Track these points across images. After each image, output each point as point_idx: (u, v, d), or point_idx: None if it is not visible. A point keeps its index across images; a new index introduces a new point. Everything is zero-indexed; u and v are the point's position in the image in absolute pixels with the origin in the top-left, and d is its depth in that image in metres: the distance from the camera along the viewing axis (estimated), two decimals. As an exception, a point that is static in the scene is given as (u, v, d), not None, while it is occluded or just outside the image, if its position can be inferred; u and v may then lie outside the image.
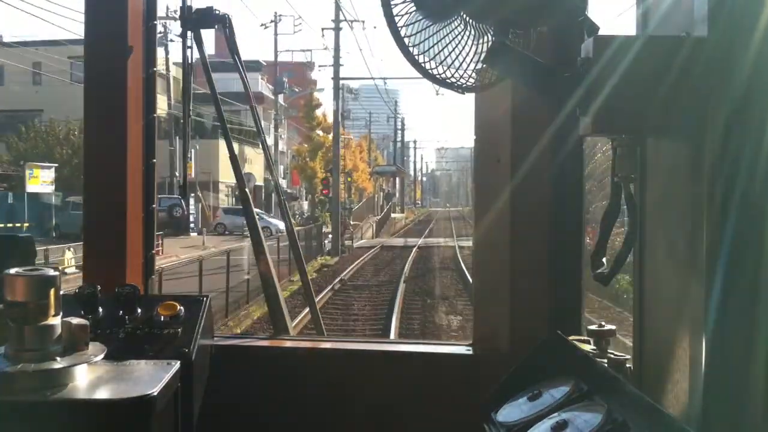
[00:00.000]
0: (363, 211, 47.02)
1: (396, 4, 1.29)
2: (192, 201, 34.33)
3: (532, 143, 1.92)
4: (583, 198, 1.99)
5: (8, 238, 1.97)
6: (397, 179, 73.63)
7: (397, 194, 73.51)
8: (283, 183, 46.73)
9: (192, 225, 33.95)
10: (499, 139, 1.96)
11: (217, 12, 2.33)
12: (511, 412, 1.36)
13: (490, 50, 1.31)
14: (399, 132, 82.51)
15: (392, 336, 11.85)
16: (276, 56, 42.18)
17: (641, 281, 1.40)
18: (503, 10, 1.32)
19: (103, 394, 1.44)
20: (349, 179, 53.92)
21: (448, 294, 17.14)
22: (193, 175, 34.45)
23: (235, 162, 2.89)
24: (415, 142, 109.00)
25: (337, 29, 33.01)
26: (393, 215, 54.07)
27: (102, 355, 1.49)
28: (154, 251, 2.26)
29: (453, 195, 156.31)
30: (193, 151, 33.96)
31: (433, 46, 1.32)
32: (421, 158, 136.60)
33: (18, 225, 26.04)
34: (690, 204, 1.16)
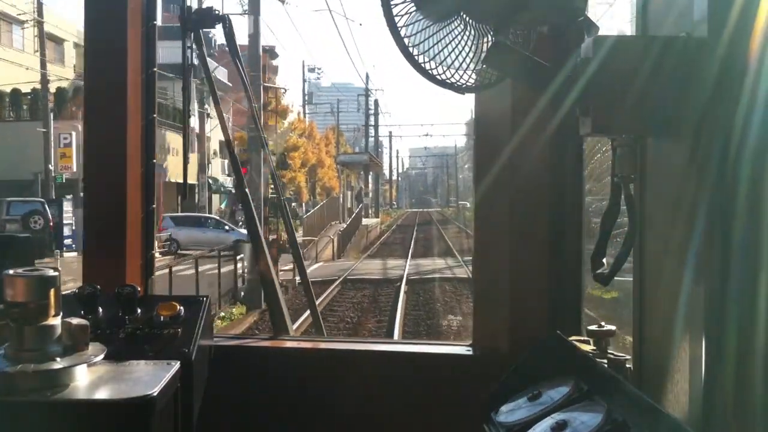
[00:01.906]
0: (323, 217, 34.26)
1: (396, 4, 1.29)
2: (70, 205, 24.88)
3: (532, 143, 1.92)
4: (583, 198, 1.99)
5: (7, 238, 1.97)
6: (370, 175, 57.27)
7: (371, 193, 57.42)
8: (227, 181, 39.24)
9: (69, 240, 23.84)
10: (499, 139, 1.96)
11: (217, 12, 2.33)
12: (510, 412, 1.36)
13: (490, 50, 1.31)
14: (373, 117, 65.43)
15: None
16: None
17: (641, 281, 1.41)
18: (503, 12, 1.32)
19: (103, 394, 1.44)
20: (307, 176, 43.12)
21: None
22: (74, 169, 26.65)
23: (235, 162, 2.89)
24: (390, 133, 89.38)
25: None
26: (364, 222, 39.57)
27: (102, 356, 1.49)
28: (153, 251, 2.27)
29: (430, 195, 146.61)
30: (73, 134, 26.45)
31: (433, 47, 1.32)
32: (397, 153, 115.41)
33: None
34: (690, 204, 1.16)
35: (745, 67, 1.06)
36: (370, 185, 59.09)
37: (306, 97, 59.25)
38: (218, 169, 41.68)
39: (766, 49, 1.06)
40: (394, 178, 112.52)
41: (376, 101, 67.69)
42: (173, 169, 29.50)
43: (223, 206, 40.82)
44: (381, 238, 37.40)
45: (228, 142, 2.80)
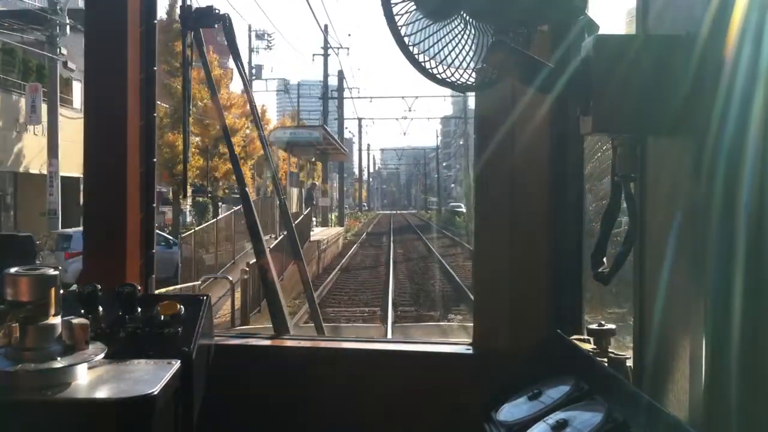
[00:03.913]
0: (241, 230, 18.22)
1: (396, 3, 1.29)
2: None
3: (532, 142, 1.92)
4: (583, 198, 1.99)
5: (8, 237, 1.97)
6: (335, 168, 44.02)
7: (333, 192, 42.17)
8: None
9: None
10: (499, 138, 1.96)
11: (217, 11, 2.34)
12: (511, 411, 1.36)
13: (491, 49, 1.31)
14: (335, 95, 47.15)
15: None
16: None
17: (641, 281, 1.40)
18: (503, 10, 1.32)
19: (103, 393, 1.44)
20: (254, 170, 29.91)
21: None
22: None
23: (235, 161, 2.89)
24: (360, 121, 68.01)
25: None
26: (317, 234, 24.17)
27: (102, 355, 1.49)
28: (153, 251, 2.27)
29: (403, 196, 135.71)
30: None
31: (433, 46, 1.32)
32: (368, 147, 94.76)
33: None
34: (690, 204, 1.16)
35: (745, 66, 1.06)
36: (334, 182, 44.15)
37: (253, 70, 44.76)
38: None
39: (766, 47, 1.05)
40: (366, 175, 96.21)
41: (340, 72, 47.86)
42: (31, 152, 21.41)
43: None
44: (342, 260, 23.17)
45: (227, 140, 2.80)
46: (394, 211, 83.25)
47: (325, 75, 46.77)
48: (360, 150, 76.64)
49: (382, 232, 38.49)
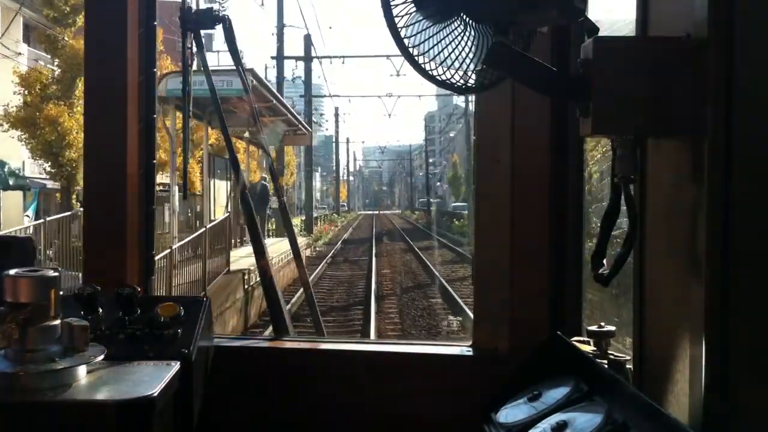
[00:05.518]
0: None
1: (396, 5, 1.29)
2: None
3: (532, 144, 1.92)
4: (583, 198, 1.99)
5: (7, 238, 1.97)
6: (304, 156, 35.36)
7: (291, 190, 33.45)
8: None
9: None
10: (499, 140, 1.97)
11: (217, 13, 2.34)
12: (510, 412, 1.36)
13: (491, 51, 1.31)
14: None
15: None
16: None
17: (641, 281, 1.41)
18: (503, 9, 1.32)
19: (103, 394, 1.44)
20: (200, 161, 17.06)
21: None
22: None
23: (235, 162, 2.90)
24: (336, 110, 57.90)
25: None
26: (236, 262, 13.44)
27: (102, 356, 1.49)
28: (153, 251, 2.27)
29: (386, 196, 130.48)
30: None
31: (433, 47, 1.32)
32: (347, 141, 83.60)
33: None
34: (690, 204, 1.16)
35: (744, 67, 1.06)
36: (295, 171, 33.47)
37: (203, 40, 12.59)
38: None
39: (766, 49, 1.06)
40: (346, 172, 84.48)
41: (307, 37, 36.49)
42: None
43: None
44: (288, 306, 9.82)
45: (227, 140, 2.80)
46: (377, 212, 77.43)
47: (280, 15, 33.31)
48: (337, 141, 63.87)
49: (361, 241, 30.75)
